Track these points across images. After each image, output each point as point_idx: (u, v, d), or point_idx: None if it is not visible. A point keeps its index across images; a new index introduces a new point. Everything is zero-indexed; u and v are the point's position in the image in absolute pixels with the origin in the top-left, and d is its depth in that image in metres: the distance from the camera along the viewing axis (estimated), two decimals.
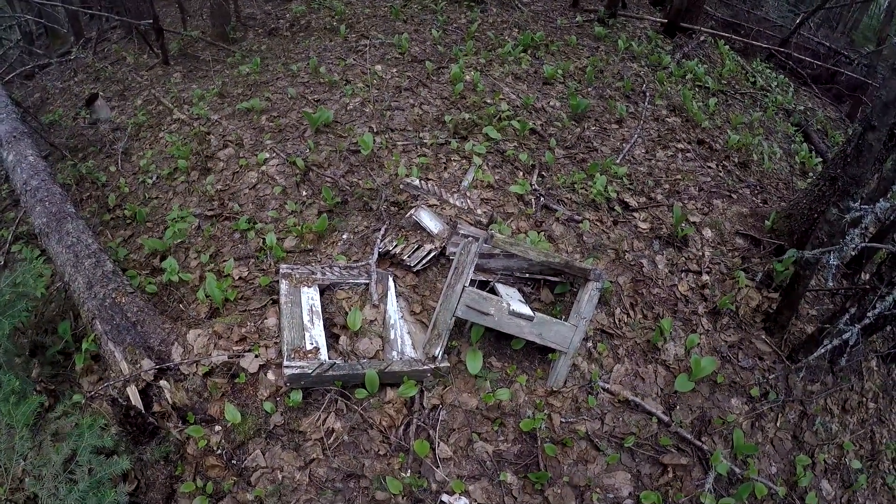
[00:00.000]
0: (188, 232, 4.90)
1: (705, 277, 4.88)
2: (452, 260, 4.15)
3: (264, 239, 4.58)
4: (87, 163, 6.09)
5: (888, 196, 3.62)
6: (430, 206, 4.72)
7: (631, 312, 4.51)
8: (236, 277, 4.41)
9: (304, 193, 5.00)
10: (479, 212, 4.79)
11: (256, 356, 3.70)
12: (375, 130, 5.65)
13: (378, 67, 6.73)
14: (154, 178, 5.69)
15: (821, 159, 7.55)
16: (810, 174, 7.11)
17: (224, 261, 4.58)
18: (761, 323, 4.66)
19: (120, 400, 3.32)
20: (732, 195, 6.21)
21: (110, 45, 9.35)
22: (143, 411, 3.39)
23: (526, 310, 3.90)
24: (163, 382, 3.58)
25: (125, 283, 4.17)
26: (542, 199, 5.17)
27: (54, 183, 5.14)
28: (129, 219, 5.33)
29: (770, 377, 4.34)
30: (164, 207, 5.34)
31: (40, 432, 3.41)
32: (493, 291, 4.13)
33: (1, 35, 11.07)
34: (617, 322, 4.41)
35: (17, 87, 8.80)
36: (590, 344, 4.20)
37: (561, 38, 8.41)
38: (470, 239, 3.89)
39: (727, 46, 9.89)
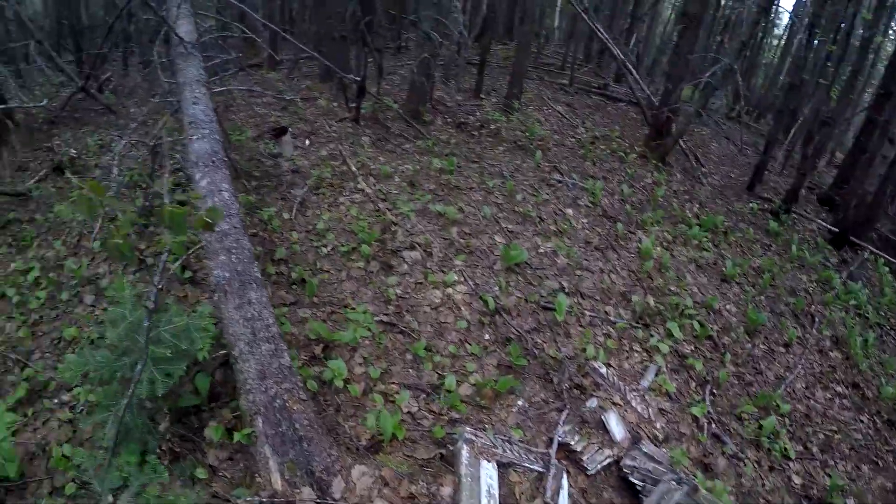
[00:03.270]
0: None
1: None
2: (627, 473, 3.92)
3: (442, 377, 4.39)
4: (269, 209, 6.04)
5: None
6: (614, 404, 4.48)
7: None
8: (405, 411, 4.21)
9: (487, 338, 4.82)
10: (657, 425, 4.52)
11: None
12: (567, 290, 5.47)
13: (569, 211, 6.64)
14: (329, 248, 5.62)
15: None
16: None
17: (392, 381, 4.39)
18: None
19: None
20: (878, 462, 5.94)
21: (302, 76, 9.67)
22: None
23: None
24: None
25: (299, 385, 3.91)
26: (713, 425, 4.91)
27: (245, 234, 4.96)
28: (294, 282, 5.22)
29: None
30: (334, 287, 5.21)
31: None
32: None
33: (204, 33, 11.64)
34: None
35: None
36: None
37: (737, 224, 8.26)
38: (673, 485, 3.62)
39: (886, 268, 9.43)
